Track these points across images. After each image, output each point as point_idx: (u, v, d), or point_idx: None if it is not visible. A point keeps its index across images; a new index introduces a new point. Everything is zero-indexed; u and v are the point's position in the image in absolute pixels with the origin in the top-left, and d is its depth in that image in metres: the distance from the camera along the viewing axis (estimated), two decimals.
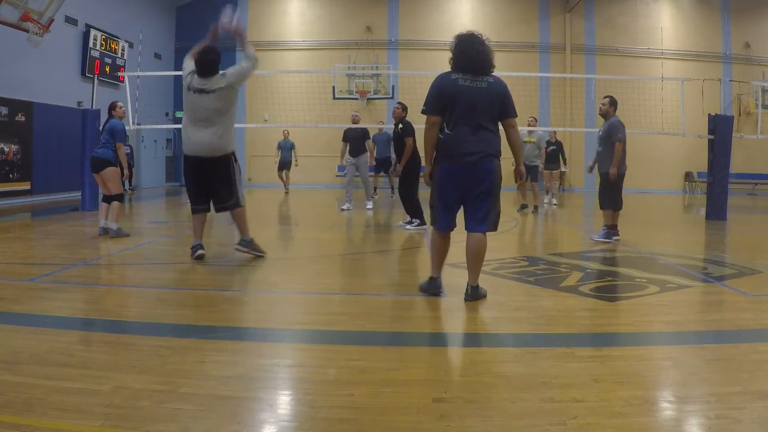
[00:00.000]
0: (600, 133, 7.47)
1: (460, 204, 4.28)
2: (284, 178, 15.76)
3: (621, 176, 7.37)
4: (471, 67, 4.17)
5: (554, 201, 13.37)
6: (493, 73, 4.26)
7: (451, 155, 4.16)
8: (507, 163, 4.27)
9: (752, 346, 3.34)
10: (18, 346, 3.14)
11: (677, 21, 19.36)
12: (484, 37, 4.24)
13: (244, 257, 5.84)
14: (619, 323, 3.86)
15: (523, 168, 4.56)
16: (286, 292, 4.81)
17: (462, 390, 2.70)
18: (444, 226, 4.29)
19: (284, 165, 15.46)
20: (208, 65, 5.61)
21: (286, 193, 15.70)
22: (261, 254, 5.94)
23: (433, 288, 4.38)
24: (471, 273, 4.27)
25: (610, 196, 7.41)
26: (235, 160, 5.86)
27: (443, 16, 19.57)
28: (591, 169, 7.88)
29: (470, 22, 19.56)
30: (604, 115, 7.44)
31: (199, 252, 5.79)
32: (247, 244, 5.88)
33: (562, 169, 13.92)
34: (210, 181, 5.79)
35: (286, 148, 15.29)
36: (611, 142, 7.25)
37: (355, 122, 11.36)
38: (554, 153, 12.77)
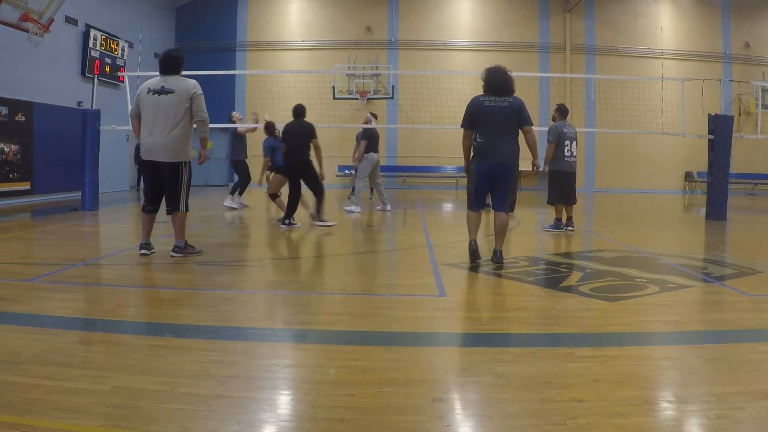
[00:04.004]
0: None
1: (488, 192, 5.72)
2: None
3: (567, 174, 8.23)
4: (495, 90, 5.57)
5: None
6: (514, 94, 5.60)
7: (482, 158, 5.59)
8: None
9: (752, 346, 3.34)
10: (18, 346, 3.13)
11: (677, 21, 19.34)
12: (507, 69, 5.67)
13: (242, 257, 5.84)
14: (619, 323, 3.85)
15: (539, 161, 5.87)
16: (286, 292, 4.82)
17: (462, 390, 2.70)
18: (478, 207, 5.78)
19: None
20: (172, 60, 5.75)
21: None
22: (197, 253, 5.95)
23: (472, 246, 5.66)
24: (497, 240, 5.70)
25: (556, 191, 8.32)
26: (186, 168, 5.82)
27: (443, 16, 19.55)
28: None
29: (470, 22, 19.59)
30: (553, 119, 8.48)
31: (143, 251, 5.89)
32: (181, 249, 5.87)
33: None
34: (162, 184, 5.82)
35: None
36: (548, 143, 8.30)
37: (365, 123, 11.24)
38: None
